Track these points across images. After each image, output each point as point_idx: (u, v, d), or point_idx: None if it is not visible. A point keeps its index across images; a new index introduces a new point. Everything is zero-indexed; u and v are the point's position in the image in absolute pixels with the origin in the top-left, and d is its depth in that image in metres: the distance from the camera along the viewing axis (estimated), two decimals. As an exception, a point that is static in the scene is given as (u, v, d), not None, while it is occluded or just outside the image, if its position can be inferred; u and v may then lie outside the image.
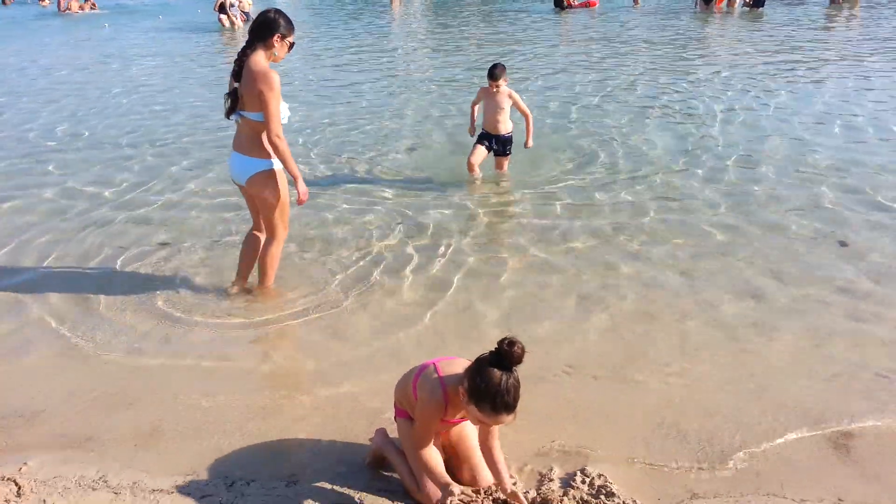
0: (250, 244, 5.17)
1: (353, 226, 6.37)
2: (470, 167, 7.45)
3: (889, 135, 8.51)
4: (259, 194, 4.82)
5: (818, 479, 3.18)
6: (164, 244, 6.11)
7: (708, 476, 3.22)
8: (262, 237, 5.08)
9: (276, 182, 4.77)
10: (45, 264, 5.77)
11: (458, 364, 3.00)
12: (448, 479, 2.96)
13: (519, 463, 3.28)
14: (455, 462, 3.17)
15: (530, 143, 7.44)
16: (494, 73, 7.09)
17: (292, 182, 4.78)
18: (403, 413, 3.18)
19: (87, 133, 9.75)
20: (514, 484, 3.11)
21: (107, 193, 7.39)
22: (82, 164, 8.41)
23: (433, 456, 3.01)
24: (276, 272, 5.15)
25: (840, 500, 3.04)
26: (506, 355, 2.67)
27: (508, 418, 2.74)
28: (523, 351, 2.69)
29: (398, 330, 4.64)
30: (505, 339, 2.69)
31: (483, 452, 3.07)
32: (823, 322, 4.60)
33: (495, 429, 3.00)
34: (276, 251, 5.07)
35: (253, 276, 5.22)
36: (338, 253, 5.80)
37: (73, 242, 6.18)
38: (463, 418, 3.07)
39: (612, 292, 5.07)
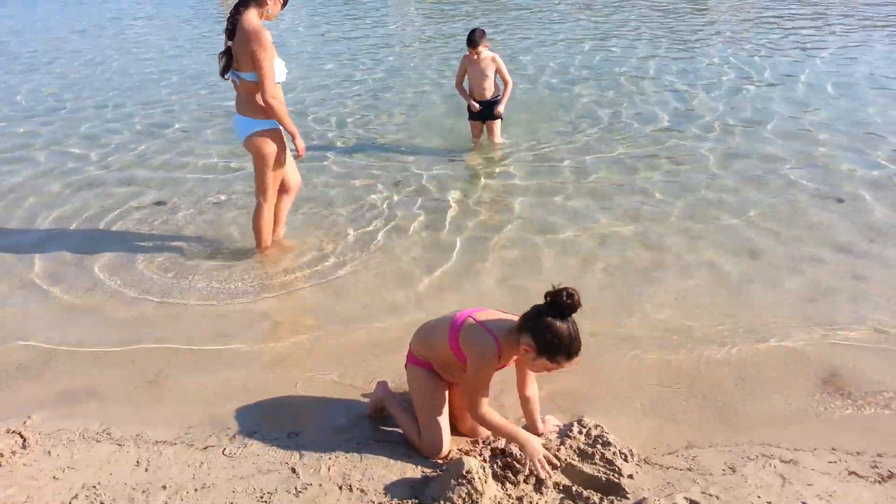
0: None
1: (351, 189, 6.36)
2: (474, 139, 7.52)
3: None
4: (254, 154, 4.81)
5: (812, 429, 3.23)
6: (159, 203, 6.16)
7: (703, 426, 3.27)
8: (283, 198, 5.14)
9: (271, 143, 4.75)
10: (36, 225, 5.79)
11: (491, 314, 3.02)
12: (527, 434, 3.01)
13: (516, 415, 3.32)
14: (458, 413, 3.20)
15: (501, 109, 7.30)
16: (473, 38, 6.97)
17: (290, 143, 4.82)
18: (420, 362, 3.18)
19: (77, 96, 9.70)
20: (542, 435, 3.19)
21: (96, 155, 7.40)
22: (73, 127, 8.38)
23: (494, 412, 3.02)
24: (270, 235, 5.15)
25: (834, 449, 3.09)
26: (567, 307, 2.75)
27: (577, 360, 2.84)
28: (580, 298, 2.77)
29: (398, 288, 4.68)
30: (562, 290, 2.75)
31: (521, 399, 3.18)
32: (821, 277, 4.64)
33: (533, 377, 3.12)
34: (267, 214, 5.06)
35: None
36: (337, 216, 5.82)
37: (67, 203, 6.20)
38: (501, 366, 3.07)
39: (609, 249, 5.11)
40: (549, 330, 2.75)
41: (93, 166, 7.12)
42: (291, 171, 5.12)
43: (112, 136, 8.05)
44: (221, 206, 6.05)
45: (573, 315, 2.78)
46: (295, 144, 4.80)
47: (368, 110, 8.77)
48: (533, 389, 3.17)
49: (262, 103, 4.62)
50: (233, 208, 5.99)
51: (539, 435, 3.16)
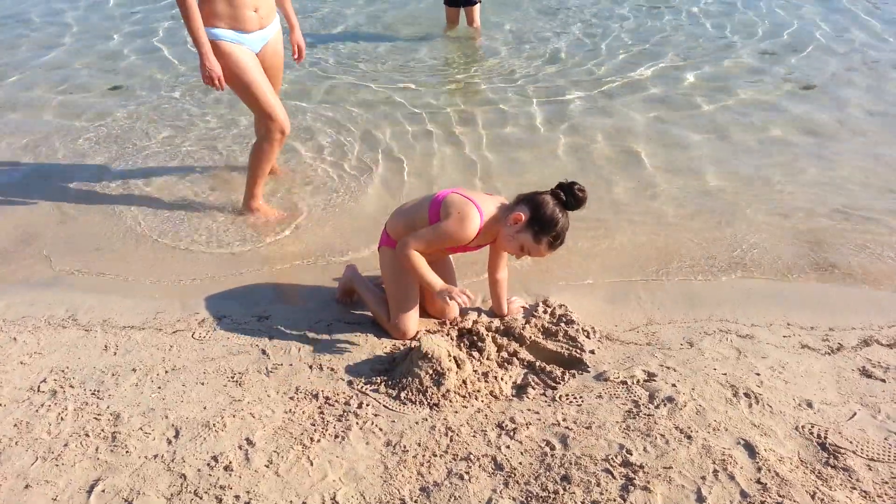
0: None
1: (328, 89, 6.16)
2: (449, 27, 7.28)
3: None
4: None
5: (768, 306, 3.33)
6: (115, 87, 5.98)
7: (663, 304, 3.35)
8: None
9: (221, 57, 3.74)
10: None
11: (480, 195, 3.01)
12: (442, 283, 2.93)
13: (484, 294, 3.37)
14: (428, 294, 3.22)
15: None
16: None
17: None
18: (394, 244, 3.16)
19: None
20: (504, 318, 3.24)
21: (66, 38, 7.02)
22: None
23: (424, 262, 2.96)
24: (264, 182, 4.18)
25: (789, 324, 3.20)
26: (575, 199, 2.83)
27: (551, 253, 2.93)
28: (586, 199, 2.86)
29: (370, 183, 4.60)
30: (574, 183, 2.83)
31: (491, 280, 3.21)
32: (784, 162, 4.68)
33: (505, 260, 3.16)
34: (261, 150, 4.01)
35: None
36: (309, 107, 5.68)
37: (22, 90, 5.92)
38: (477, 247, 3.09)
39: (583, 137, 5.08)
40: (550, 209, 2.82)
41: (49, 47, 6.78)
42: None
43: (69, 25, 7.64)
44: (178, 93, 5.84)
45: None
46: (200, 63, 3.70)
47: (335, 9, 8.35)
48: (503, 273, 3.20)
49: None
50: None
51: (504, 316, 3.22)
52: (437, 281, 2.92)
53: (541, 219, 2.83)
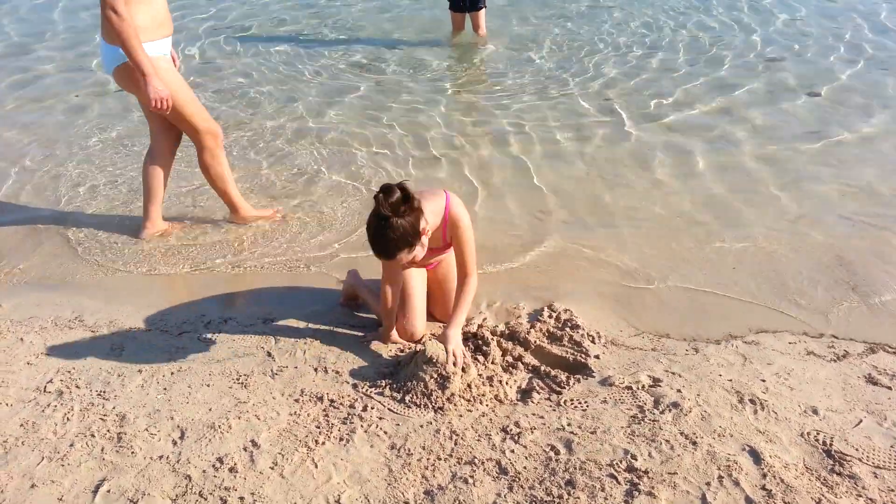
0: (148, 170, 3.89)
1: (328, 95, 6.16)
2: (455, 33, 7.29)
3: None
4: (135, 94, 3.67)
5: (773, 313, 3.32)
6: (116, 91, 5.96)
7: (668, 310, 3.34)
8: (164, 158, 3.90)
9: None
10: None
11: (426, 194, 2.96)
12: (392, 335, 3.08)
13: (489, 299, 3.38)
14: (435, 298, 3.26)
15: None
16: None
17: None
18: None
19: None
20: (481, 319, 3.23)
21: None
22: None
23: (393, 290, 3.02)
24: (235, 186, 4.07)
25: (794, 332, 3.19)
26: (375, 201, 2.59)
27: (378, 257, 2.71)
28: (383, 203, 2.55)
29: (370, 185, 4.61)
30: (385, 186, 2.59)
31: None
32: (789, 167, 4.67)
33: (463, 268, 2.97)
34: (216, 164, 3.87)
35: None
36: (307, 112, 5.67)
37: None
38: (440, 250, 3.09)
39: (584, 143, 5.08)
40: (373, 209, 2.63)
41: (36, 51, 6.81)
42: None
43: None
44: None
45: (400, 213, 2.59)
46: (144, 87, 3.41)
47: (342, 15, 8.38)
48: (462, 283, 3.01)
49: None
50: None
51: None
52: (385, 332, 3.08)
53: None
